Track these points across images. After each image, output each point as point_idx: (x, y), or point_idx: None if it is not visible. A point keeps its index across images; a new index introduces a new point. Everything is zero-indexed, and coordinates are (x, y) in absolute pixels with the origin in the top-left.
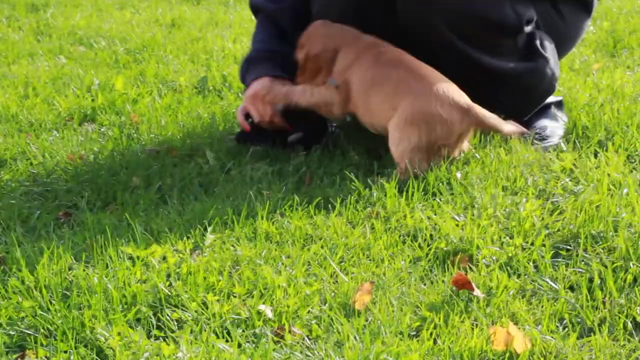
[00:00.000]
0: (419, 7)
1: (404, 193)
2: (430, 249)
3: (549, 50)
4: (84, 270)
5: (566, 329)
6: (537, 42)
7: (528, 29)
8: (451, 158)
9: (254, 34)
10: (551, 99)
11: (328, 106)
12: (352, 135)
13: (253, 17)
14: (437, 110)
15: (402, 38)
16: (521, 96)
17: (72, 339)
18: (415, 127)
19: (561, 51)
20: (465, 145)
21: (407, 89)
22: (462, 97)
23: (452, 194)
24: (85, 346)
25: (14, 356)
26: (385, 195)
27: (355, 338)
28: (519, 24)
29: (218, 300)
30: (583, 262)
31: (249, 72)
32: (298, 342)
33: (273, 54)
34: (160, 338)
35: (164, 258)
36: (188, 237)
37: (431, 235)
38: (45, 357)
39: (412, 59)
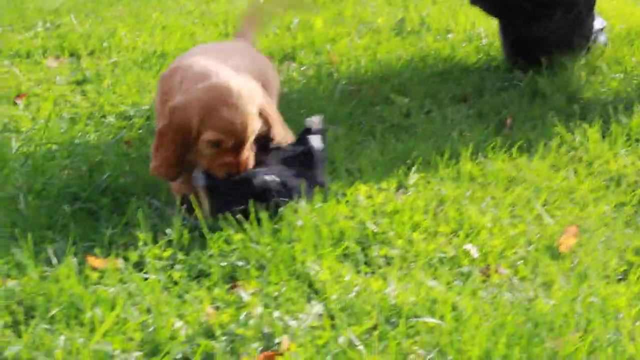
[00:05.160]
0: None
1: (607, 138)
2: (634, 195)
3: None
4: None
5: None
6: None
7: None
8: None
9: None
10: None
11: None
12: (552, 79)
13: None
14: None
15: None
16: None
17: (284, 271)
18: None
19: None
20: None
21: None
22: None
23: None
24: (297, 278)
25: (226, 286)
26: (588, 140)
27: (562, 280)
28: None
29: (424, 239)
30: None
31: None
32: (505, 282)
33: None
34: (369, 274)
35: (370, 196)
36: (391, 176)
37: (635, 181)
38: (258, 289)
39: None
